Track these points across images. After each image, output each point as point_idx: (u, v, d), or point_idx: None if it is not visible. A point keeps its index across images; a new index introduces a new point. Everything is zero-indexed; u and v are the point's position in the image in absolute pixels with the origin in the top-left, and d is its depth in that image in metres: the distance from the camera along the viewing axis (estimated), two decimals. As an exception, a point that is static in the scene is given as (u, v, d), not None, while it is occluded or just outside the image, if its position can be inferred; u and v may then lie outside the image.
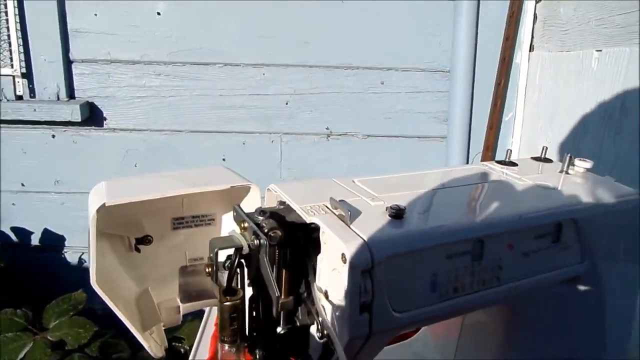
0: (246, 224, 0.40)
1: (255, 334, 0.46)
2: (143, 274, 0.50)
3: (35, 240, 1.48)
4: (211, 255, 0.40)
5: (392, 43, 1.32)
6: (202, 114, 1.39)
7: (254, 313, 0.46)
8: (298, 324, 0.43)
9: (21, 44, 1.30)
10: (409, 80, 1.35)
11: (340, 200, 0.40)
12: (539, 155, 0.59)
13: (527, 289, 0.43)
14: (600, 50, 1.01)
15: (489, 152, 1.32)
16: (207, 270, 0.41)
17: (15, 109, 1.32)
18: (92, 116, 1.38)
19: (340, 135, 1.40)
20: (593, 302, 0.48)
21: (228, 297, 0.41)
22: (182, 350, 1.10)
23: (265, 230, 0.38)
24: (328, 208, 0.41)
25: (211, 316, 0.79)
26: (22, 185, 1.44)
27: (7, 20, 1.28)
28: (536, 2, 1.23)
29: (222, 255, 0.42)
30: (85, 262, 1.50)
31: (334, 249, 0.36)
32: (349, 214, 0.37)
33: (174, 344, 1.10)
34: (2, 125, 1.37)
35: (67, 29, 1.32)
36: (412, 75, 1.34)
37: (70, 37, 1.32)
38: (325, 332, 0.39)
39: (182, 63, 1.35)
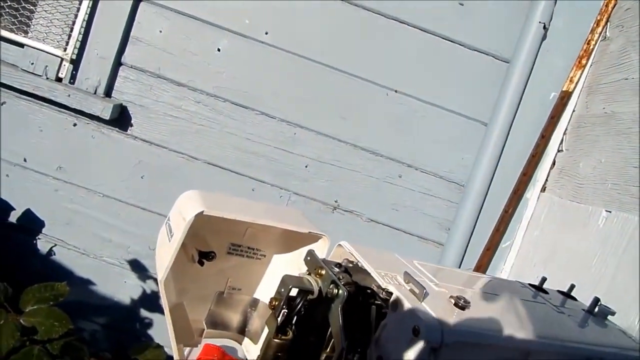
0: (323, 272, 0.42)
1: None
2: (185, 287, 0.50)
3: (13, 218, 1.43)
4: (282, 290, 0.41)
5: (421, 144, 1.40)
6: (224, 151, 1.42)
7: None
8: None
9: (82, 32, 1.34)
10: (425, 182, 1.42)
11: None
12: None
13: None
14: (610, 212, 1.10)
15: (481, 270, 1.36)
16: (272, 303, 0.42)
17: (50, 88, 1.34)
18: (120, 118, 1.39)
19: (345, 211, 1.44)
20: None
21: (280, 335, 0.42)
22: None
23: (342, 283, 0.40)
24: (398, 280, 0.43)
25: (194, 350, 0.77)
26: (24, 160, 1.41)
27: (78, 7, 1.33)
28: (558, 151, 1.34)
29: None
30: (55, 254, 1.45)
31: (405, 320, 0.38)
32: (425, 292, 0.40)
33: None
34: (30, 98, 1.37)
35: (130, 34, 1.37)
36: (430, 178, 1.41)
37: (129, 41, 1.37)
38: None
39: (224, 99, 1.40)
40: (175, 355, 0.45)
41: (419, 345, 0.36)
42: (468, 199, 1.38)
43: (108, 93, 1.39)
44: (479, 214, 1.39)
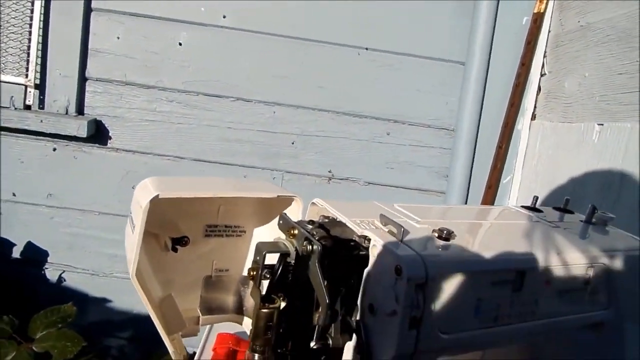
0: (295, 231, 0.40)
1: (282, 350, 0.45)
2: (169, 278, 0.49)
3: (16, 253, 1.42)
4: (257, 258, 0.40)
5: (402, 97, 1.37)
6: (208, 144, 1.40)
7: (281, 329, 0.46)
8: (330, 341, 0.42)
9: (40, 55, 1.31)
10: (414, 134, 1.39)
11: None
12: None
13: (558, 327, 0.44)
14: (602, 125, 1.07)
15: (487, 211, 1.35)
16: (251, 273, 0.41)
17: (21, 118, 1.32)
18: (98, 134, 1.37)
19: (341, 179, 1.42)
20: (615, 351, 0.48)
21: (267, 305, 0.40)
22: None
23: (317, 238, 0.38)
24: (377, 224, 0.41)
25: (208, 342, 0.76)
26: (13, 194, 1.40)
27: (30, 32, 1.30)
28: (541, 75, 1.31)
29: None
30: (65, 280, 1.45)
31: (387, 262, 0.37)
32: (402, 230, 0.38)
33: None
34: (3, 132, 1.35)
35: (88, 47, 1.34)
36: (418, 129, 1.39)
37: (89, 55, 1.34)
38: (365, 349, 0.38)
39: (196, 93, 1.37)
40: (170, 348, 0.44)
41: (404, 284, 0.34)
42: (460, 142, 1.36)
43: (80, 111, 1.37)
44: (474, 154, 1.37)
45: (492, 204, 1.38)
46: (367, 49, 1.35)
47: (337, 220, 0.43)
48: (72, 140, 1.36)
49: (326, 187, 1.42)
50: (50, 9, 1.29)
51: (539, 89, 1.32)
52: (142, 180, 0.45)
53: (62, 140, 1.37)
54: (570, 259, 0.44)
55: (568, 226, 0.51)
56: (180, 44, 1.35)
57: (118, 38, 1.34)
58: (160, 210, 0.44)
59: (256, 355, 0.41)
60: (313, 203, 0.46)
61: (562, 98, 1.23)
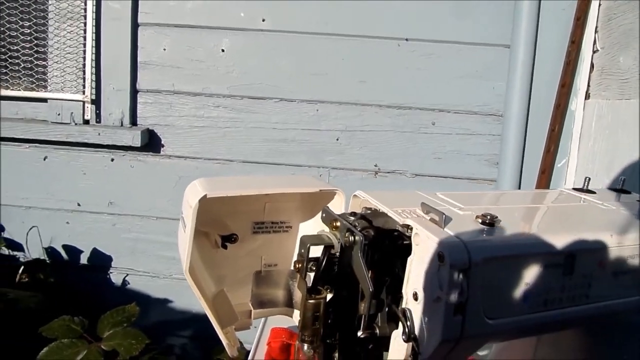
0: (338, 223, 0.41)
1: (330, 340, 0.46)
2: (221, 274, 0.51)
3: (84, 259, 1.52)
4: (302, 251, 0.41)
5: (446, 85, 1.34)
6: (255, 146, 1.43)
7: (330, 320, 0.47)
8: (377, 330, 0.43)
9: (94, 72, 1.39)
10: (461, 122, 1.36)
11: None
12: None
13: (614, 310, 0.42)
14: (663, 98, 1.01)
15: (541, 197, 1.30)
16: (297, 266, 0.42)
17: (81, 132, 1.40)
18: (151, 142, 1.44)
19: (388, 172, 1.42)
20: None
21: (313, 296, 0.41)
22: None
23: (359, 229, 0.39)
24: (419, 213, 0.41)
25: (263, 337, 0.78)
26: (78, 205, 1.50)
27: (84, 51, 1.38)
28: (593, 52, 1.25)
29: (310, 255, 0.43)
30: (129, 283, 1.53)
31: (429, 249, 0.37)
32: (444, 217, 0.38)
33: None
34: (66, 147, 1.44)
35: (137, 61, 1.41)
36: (464, 117, 1.36)
37: (139, 67, 1.41)
38: (411, 336, 0.39)
39: (241, 97, 1.41)
40: (223, 340, 0.46)
41: (447, 270, 0.34)
42: (510, 127, 1.32)
43: (133, 122, 1.44)
44: (525, 139, 1.32)
45: (547, 188, 1.32)
46: (407, 39, 1.34)
47: (380, 211, 0.43)
48: (128, 150, 1.43)
49: (373, 181, 1.42)
50: (100, 28, 1.36)
51: (592, 66, 1.26)
52: (192, 182, 0.47)
53: (119, 151, 1.45)
54: (625, 239, 0.42)
55: (623, 206, 0.49)
56: (223, 50, 1.39)
57: (164, 50, 1.40)
58: (210, 210, 0.46)
59: (305, 345, 0.42)
60: (355, 195, 0.47)
61: (618, 74, 1.16)
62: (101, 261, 1.52)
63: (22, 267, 1.32)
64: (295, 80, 1.38)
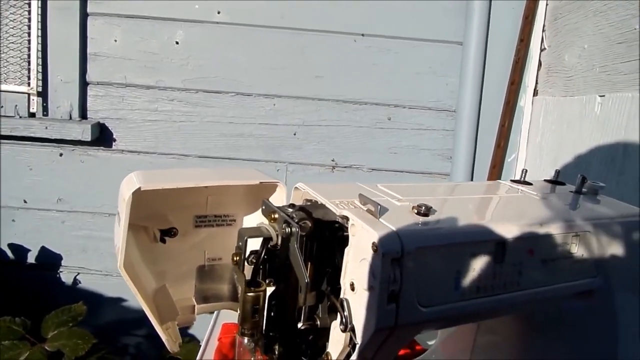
0: (276, 215, 0.41)
1: (272, 333, 0.46)
2: (162, 269, 0.50)
3: (31, 259, 1.46)
4: (240, 243, 0.41)
5: (401, 81, 1.36)
6: (211, 140, 1.41)
7: (272, 312, 0.46)
8: (318, 322, 0.43)
9: (40, 63, 1.33)
10: (416, 118, 1.39)
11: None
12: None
13: (544, 297, 0.44)
14: (604, 96, 1.05)
15: (492, 191, 1.34)
16: (234, 259, 0.41)
17: (26, 126, 1.34)
18: (102, 137, 1.39)
19: (345, 167, 1.43)
20: (605, 319, 0.48)
21: (252, 289, 0.41)
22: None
23: (296, 221, 0.39)
24: (357, 204, 0.42)
25: (215, 330, 0.78)
26: (25, 202, 1.44)
27: (29, 40, 1.32)
28: (541, 50, 1.29)
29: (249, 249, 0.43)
30: (80, 282, 1.48)
31: (364, 240, 0.37)
32: (379, 208, 0.38)
33: (170, 365, 1.07)
34: (10, 141, 1.38)
35: (87, 52, 1.36)
36: (419, 112, 1.38)
37: (89, 59, 1.36)
38: (349, 326, 0.39)
39: (196, 90, 1.38)
40: (162, 336, 0.45)
41: (379, 259, 0.35)
42: (462, 122, 1.35)
43: (83, 115, 1.39)
44: (477, 134, 1.36)
45: (498, 183, 1.36)
46: (363, 35, 1.35)
47: (319, 203, 0.44)
48: (78, 144, 1.38)
49: (330, 175, 1.43)
50: (47, 16, 1.31)
51: (540, 64, 1.30)
52: (128, 174, 0.46)
53: (68, 145, 1.39)
54: (555, 227, 0.44)
55: (556, 197, 0.51)
56: (177, 43, 1.36)
57: (115, 41, 1.35)
58: (147, 203, 0.45)
59: (245, 339, 0.42)
60: (296, 187, 0.47)
61: (563, 71, 1.21)
62: (50, 260, 1.47)
63: (-37, 267, 1.26)
64: (252, 74, 1.37)
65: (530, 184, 0.56)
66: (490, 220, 0.42)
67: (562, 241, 0.44)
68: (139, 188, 0.41)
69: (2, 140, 1.38)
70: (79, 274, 1.48)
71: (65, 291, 1.47)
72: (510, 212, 0.44)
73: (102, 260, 1.47)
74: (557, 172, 0.59)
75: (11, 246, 1.46)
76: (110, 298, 1.49)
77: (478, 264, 0.40)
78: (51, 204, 1.44)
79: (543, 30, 1.30)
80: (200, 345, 0.79)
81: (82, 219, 1.45)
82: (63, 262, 1.47)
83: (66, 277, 1.48)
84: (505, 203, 0.47)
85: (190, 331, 1.45)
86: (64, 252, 1.47)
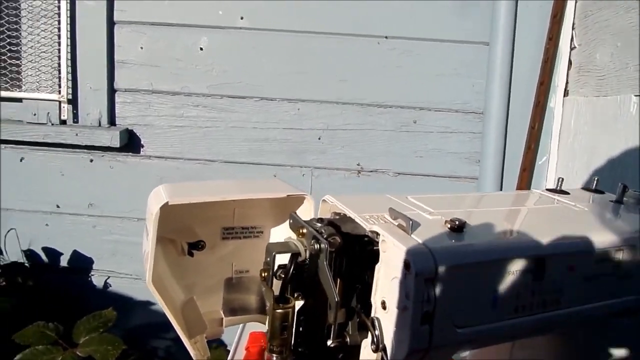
0: (304, 230, 0.40)
1: (301, 349, 0.45)
2: (190, 282, 0.50)
3: (64, 262, 1.49)
4: (268, 259, 0.40)
5: (426, 83, 1.34)
6: (236, 145, 1.42)
7: (301, 328, 0.46)
8: (348, 339, 0.42)
9: (69, 72, 1.36)
10: (442, 120, 1.36)
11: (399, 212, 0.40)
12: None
13: (587, 316, 0.42)
14: (639, 95, 1.01)
15: (522, 194, 1.30)
16: (262, 275, 0.41)
17: (58, 133, 1.37)
18: (130, 143, 1.42)
19: (371, 172, 1.41)
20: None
21: (281, 305, 0.40)
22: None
23: (325, 236, 0.38)
24: (387, 219, 0.41)
25: (241, 341, 0.78)
26: (57, 206, 1.47)
27: (59, 49, 1.35)
28: (571, 49, 1.25)
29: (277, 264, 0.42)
30: (110, 285, 1.51)
31: (395, 257, 0.36)
32: (411, 223, 0.37)
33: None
34: (44, 147, 1.41)
35: (114, 59, 1.38)
36: (445, 115, 1.36)
37: (116, 67, 1.38)
38: (380, 345, 0.38)
39: (220, 96, 1.39)
40: (191, 350, 0.45)
41: (413, 279, 0.34)
42: (490, 125, 1.32)
43: (112, 122, 1.41)
44: (505, 137, 1.33)
45: (528, 186, 1.33)
46: (386, 37, 1.33)
47: (348, 216, 0.43)
48: (107, 150, 1.41)
49: (356, 180, 1.42)
50: (75, 27, 1.34)
51: (570, 63, 1.26)
52: (156, 187, 0.46)
53: (97, 152, 1.42)
54: (597, 242, 0.42)
55: (595, 208, 0.49)
56: (201, 49, 1.37)
57: (142, 48, 1.37)
58: (175, 217, 0.45)
59: (274, 356, 0.41)
60: (324, 200, 0.46)
61: (595, 70, 1.17)
62: (82, 263, 1.50)
63: (-2, 271, 1.29)
64: (276, 79, 1.37)
65: (567, 193, 0.54)
66: (527, 234, 0.41)
67: (605, 256, 0.42)
68: (167, 202, 0.41)
69: (36, 147, 1.41)
70: (109, 277, 1.51)
71: (97, 294, 1.50)
72: (548, 225, 0.42)
73: (131, 264, 1.49)
74: (596, 180, 0.56)
75: (45, 250, 1.49)
76: (139, 301, 1.51)
77: (516, 282, 0.38)
78: (82, 208, 1.47)
79: (572, 28, 1.26)
80: (229, 351, 0.79)
81: (112, 224, 1.48)
82: (94, 266, 1.50)
83: (97, 280, 1.51)
84: (542, 215, 0.45)
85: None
86: (95, 256, 1.50)
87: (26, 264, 1.46)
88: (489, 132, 1.31)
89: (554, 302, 0.40)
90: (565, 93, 1.28)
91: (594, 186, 0.57)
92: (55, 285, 1.46)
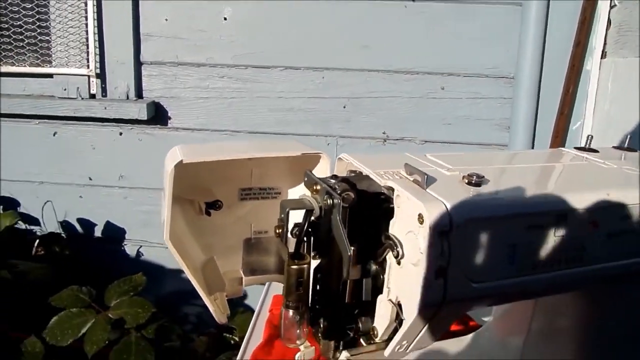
0: (318, 187, 0.40)
1: (318, 306, 0.45)
2: (209, 242, 0.51)
3: (98, 232, 1.54)
4: (282, 216, 0.40)
5: (454, 47, 1.30)
6: (261, 115, 1.42)
7: (317, 286, 0.46)
8: (363, 297, 0.42)
9: (97, 46, 1.38)
10: (471, 86, 1.32)
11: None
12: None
13: (610, 274, 0.40)
14: (683, 53, 0.95)
15: (554, 161, 1.26)
16: (277, 231, 0.41)
17: (88, 107, 1.40)
18: (158, 115, 1.43)
19: (397, 140, 1.39)
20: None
21: (296, 261, 0.41)
22: (231, 341, 1.11)
23: (339, 192, 0.38)
24: (402, 174, 0.40)
25: (266, 302, 0.79)
26: (90, 179, 1.51)
27: (86, 24, 1.37)
28: (610, 7, 1.18)
29: (291, 221, 0.42)
30: (143, 254, 1.56)
31: (410, 211, 0.35)
32: (426, 178, 0.36)
33: (224, 334, 1.11)
34: (75, 122, 1.45)
35: (140, 32, 1.39)
36: (474, 81, 1.32)
37: (142, 40, 1.39)
38: (395, 300, 0.38)
39: (245, 66, 1.39)
40: (210, 307, 0.46)
41: (427, 232, 0.33)
42: (521, 90, 1.27)
43: (139, 95, 1.43)
44: (538, 102, 1.28)
45: (561, 153, 1.28)
46: (414, 0, 1.29)
47: (363, 174, 0.42)
48: (135, 123, 1.43)
49: (381, 148, 1.40)
50: (101, 1, 1.35)
51: (609, 22, 1.20)
52: (172, 148, 0.46)
53: (126, 125, 1.45)
54: (623, 197, 0.40)
55: (626, 164, 0.47)
56: (225, 19, 1.36)
57: (166, 20, 1.37)
58: (192, 176, 0.46)
59: (290, 312, 0.41)
60: (340, 158, 0.45)
61: (636, 30, 1.10)
62: (115, 233, 1.55)
63: (37, 241, 1.35)
64: (300, 47, 1.35)
65: (596, 151, 0.51)
66: (549, 189, 0.39)
67: (631, 212, 0.40)
68: (181, 161, 0.41)
69: (67, 121, 1.45)
70: (141, 246, 1.55)
71: (129, 263, 1.55)
72: (573, 180, 0.40)
73: (162, 234, 1.53)
74: (628, 138, 0.53)
75: (79, 221, 1.55)
76: (170, 269, 1.55)
77: (535, 237, 0.37)
78: (114, 180, 1.51)
79: (614, -15, 1.19)
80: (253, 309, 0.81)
81: (143, 195, 1.51)
82: (127, 236, 1.55)
83: (130, 249, 1.56)
84: (567, 171, 0.43)
85: (246, 302, 1.49)
86: (127, 226, 1.54)
87: (62, 235, 1.52)
88: (520, 96, 1.27)
89: (575, 259, 0.39)
90: (603, 55, 1.22)
91: (626, 144, 0.54)
92: (90, 255, 1.52)
